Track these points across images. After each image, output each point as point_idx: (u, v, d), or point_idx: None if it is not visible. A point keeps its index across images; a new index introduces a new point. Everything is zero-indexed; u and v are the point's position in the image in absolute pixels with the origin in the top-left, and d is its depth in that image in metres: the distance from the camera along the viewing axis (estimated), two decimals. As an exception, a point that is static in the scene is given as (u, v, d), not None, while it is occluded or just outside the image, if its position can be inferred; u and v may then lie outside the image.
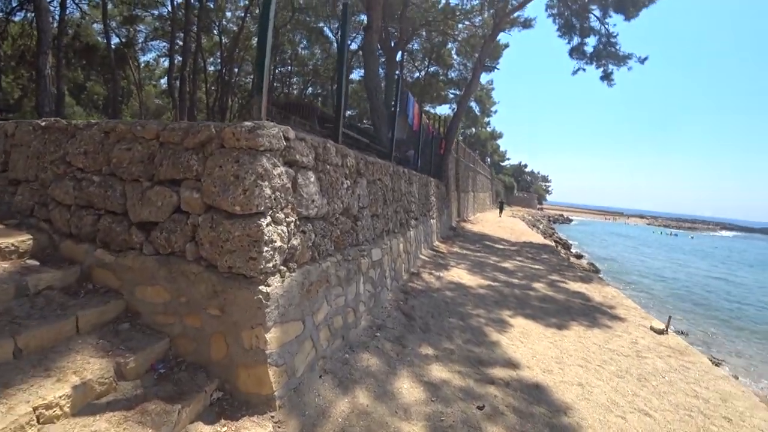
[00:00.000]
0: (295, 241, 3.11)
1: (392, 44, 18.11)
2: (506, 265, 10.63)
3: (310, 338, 3.31)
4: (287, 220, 3.01)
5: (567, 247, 25.32)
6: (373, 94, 10.33)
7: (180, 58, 19.45)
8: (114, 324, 3.02)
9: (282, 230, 2.90)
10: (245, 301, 2.67)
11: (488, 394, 3.70)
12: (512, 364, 4.42)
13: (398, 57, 18.80)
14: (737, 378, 6.68)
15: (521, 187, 72.11)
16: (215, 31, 24.47)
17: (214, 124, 2.82)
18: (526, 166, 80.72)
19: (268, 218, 2.76)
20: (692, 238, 54.58)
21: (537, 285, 8.54)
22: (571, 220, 62.17)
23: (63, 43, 17.47)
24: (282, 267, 2.94)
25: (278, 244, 2.82)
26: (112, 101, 20.54)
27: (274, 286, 2.79)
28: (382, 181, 5.96)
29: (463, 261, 10.21)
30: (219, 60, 25.96)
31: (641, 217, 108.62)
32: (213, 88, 27.63)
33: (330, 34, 23.66)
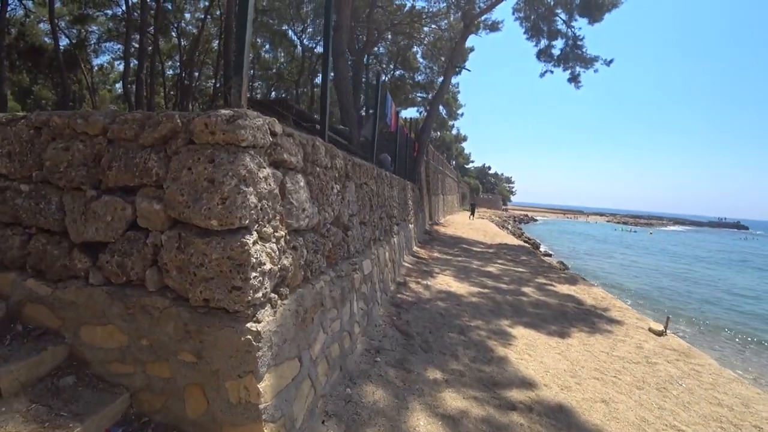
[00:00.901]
0: (286, 261, 2.52)
1: (359, 47, 17.66)
2: (490, 269, 10.30)
3: (308, 377, 2.72)
4: (276, 234, 2.41)
5: (536, 246, 25.58)
6: (343, 95, 9.80)
7: (136, 61, 18.15)
8: (53, 379, 2.32)
9: (271, 248, 2.30)
10: (229, 344, 2.05)
11: (513, 424, 3.21)
12: (528, 384, 3.97)
13: (365, 60, 18.36)
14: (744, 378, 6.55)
15: (486, 189, 73.26)
16: (173, 33, 23.14)
17: (180, 114, 2.20)
18: (489, 168, 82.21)
19: (254, 234, 2.16)
20: (651, 234, 57.04)
21: (526, 289, 8.21)
22: (536, 220, 63.67)
23: (5, 43, 15.86)
24: (273, 295, 2.34)
25: (268, 266, 2.23)
26: (61, 106, 18.91)
27: (266, 321, 2.19)
28: (368, 186, 5.42)
29: (446, 267, 9.78)
30: (178, 63, 24.57)
31: (601, 215, 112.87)
32: (172, 93, 26.16)
33: (294, 37, 22.91)
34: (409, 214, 11.24)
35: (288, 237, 2.61)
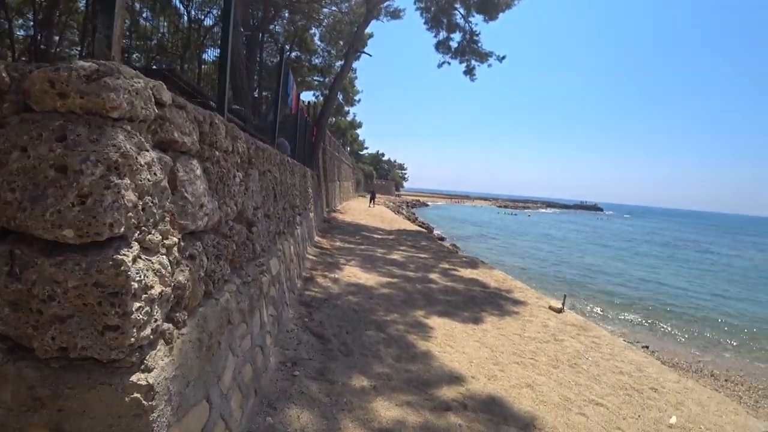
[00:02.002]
0: (181, 276, 1.88)
1: (254, 23, 16.15)
2: (395, 256, 10.25)
3: (221, 418, 2.13)
4: (167, 242, 1.77)
5: (430, 230, 26.75)
6: (236, 72, 8.73)
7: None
8: None
9: (161, 263, 1.66)
10: (107, 409, 1.40)
11: (452, 426, 3.01)
12: (456, 378, 3.83)
13: (260, 38, 16.87)
14: (629, 341, 7.38)
15: (380, 175, 74.72)
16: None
17: (7, 65, 1.43)
18: (383, 154, 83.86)
19: (135, 246, 1.51)
20: (529, 215, 63.90)
21: (433, 276, 8.28)
22: (427, 205, 66.98)
23: None
24: (166, 326, 1.71)
25: (157, 289, 1.59)
26: None
27: (160, 366, 1.57)
28: (271, 173, 4.76)
29: (351, 257, 9.46)
30: (32, 23, 19.69)
31: (485, 199, 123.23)
32: (24, 59, 21.08)
33: (179, 4, 19.96)
34: (310, 202, 10.64)
35: (183, 243, 1.96)
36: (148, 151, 1.63)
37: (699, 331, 10.99)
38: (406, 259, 9.99)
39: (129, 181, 1.45)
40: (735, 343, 10.35)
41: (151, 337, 1.56)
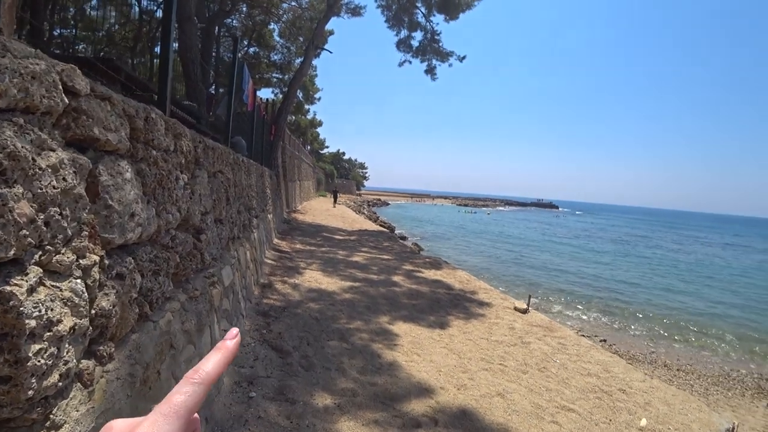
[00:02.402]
0: (105, 302, 1.56)
1: (210, 16, 15.33)
2: (356, 258, 10.00)
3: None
4: (84, 262, 1.45)
5: (392, 230, 26.68)
6: (191, 66, 8.19)
7: None
8: None
9: (74, 289, 1.34)
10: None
11: (421, 448, 2.81)
12: (425, 390, 3.65)
13: (216, 32, 16.08)
14: (589, 338, 7.52)
15: (340, 174, 74.09)
16: None
17: None
18: (344, 153, 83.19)
19: (34, 272, 1.19)
20: (488, 214, 65.32)
21: (397, 278, 8.11)
22: (388, 204, 67.03)
23: None
24: (85, 364, 1.39)
25: (68, 323, 1.28)
26: None
27: (74, 418, 1.26)
28: (224, 174, 4.40)
29: (312, 260, 9.12)
30: None
31: (445, 197, 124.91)
32: None
33: None
34: (268, 203, 10.19)
35: (108, 261, 1.64)
36: (54, 150, 1.31)
37: (650, 324, 11.52)
38: (369, 261, 9.77)
39: (22, 190, 1.14)
40: (682, 334, 10.91)
41: (60, 384, 1.25)
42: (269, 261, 8.07)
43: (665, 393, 4.22)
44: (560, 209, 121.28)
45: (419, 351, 4.53)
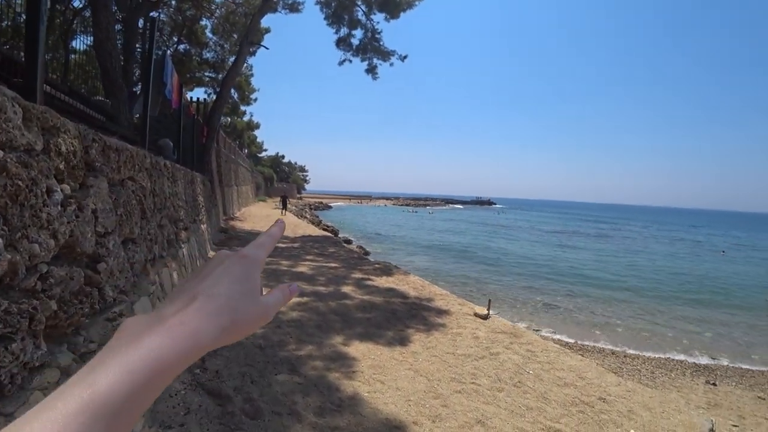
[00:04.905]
0: None
1: (133, 6, 13.66)
2: (302, 269, 9.25)
3: None
4: None
5: (336, 233, 25.96)
6: (108, 60, 6.99)
7: None
8: None
9: None
10: None
11: None
12: (397, 429, 3.11)
13: (140, 24, 14.43)
14: (553, 340, 7.37)
15: (280, 178, 71.69)
16: None
17: None
18: (283, 157, 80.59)
19: None
20: (431, 213, 66.24)
21: (347, 289, 7.49)
22: (330, 207, 65.83)
23: None
24: None
25: None
26: None
27: None
28: (136, 182, 3.56)
29: (253, 273, 8.25)
30: None
31: (387, 198, 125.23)
32: None
33: None
34: (201, 212, 9.16)
35: None
36: None
37: (591, 311, 11.93)
38: (315, 270, 9.06)
39: None
40: (621, 319, 11.38)
41: None
42: (203, 278, 7.13)
43: (642, 396, 4.02)
44: (498, 206, 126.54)
45: (382, 377, 3.98)
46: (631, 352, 9.00)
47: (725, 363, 8.71)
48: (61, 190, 1.96)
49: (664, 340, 10.01)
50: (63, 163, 2.01)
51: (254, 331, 0.34)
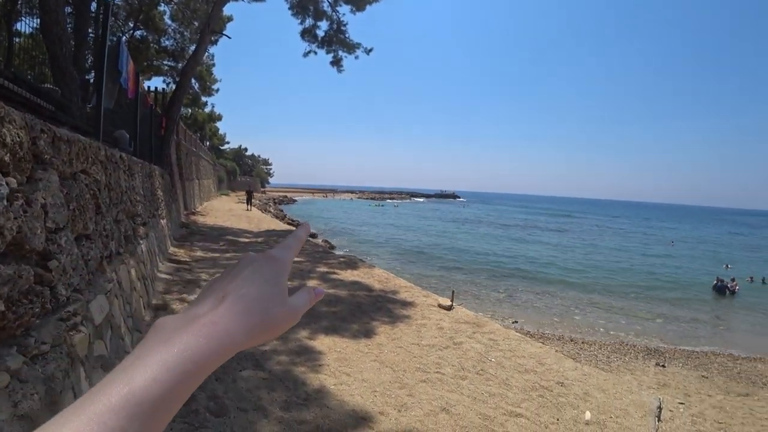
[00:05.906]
0: None
1: None
2: (268, 263, 9.12)
3: None
4: None
5: (302, 227, 25.60)
6: (57, 45, 6.53)
7: None
8: None
9: None
10: None
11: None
12: (362, 419, 3.16)
13: (92, 9, 13.53)
14: (515, 328, 7.61)
15: (243, 171, 69.96)
16: None
17: None
18: (246, 149, 78.62)
19: None
20: (396, 206, 66.51)
21: (312, 283, 7.47)
22: (295, 200, 64.93)
23: None
24: None
25: None
26: None
27: None
28: (89, 175, 3.41)
29: (215, 269, 8.09)
30: None
31: (352, 192, 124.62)
32: None
33: None
34: (160, 207, 8.84)
35: None
36: None
37: (550, 299, 12.46)
38: (282, 265, 8.96)
39: None
40: (579, 308, 11.94)
41: None
42: (164, 275, 6.91)
43: (597, 379, 4.27)
44: (461, 199, 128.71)
45: (348, 369, 4.02)
46: (589, 338, 9.48)
47: (673, 346, 9.34)
48: (7, 183, 1.86)
49: (618, 326, 10.61)
50: (8, 155, 1.91)
51: (283, 332, 0.35)
